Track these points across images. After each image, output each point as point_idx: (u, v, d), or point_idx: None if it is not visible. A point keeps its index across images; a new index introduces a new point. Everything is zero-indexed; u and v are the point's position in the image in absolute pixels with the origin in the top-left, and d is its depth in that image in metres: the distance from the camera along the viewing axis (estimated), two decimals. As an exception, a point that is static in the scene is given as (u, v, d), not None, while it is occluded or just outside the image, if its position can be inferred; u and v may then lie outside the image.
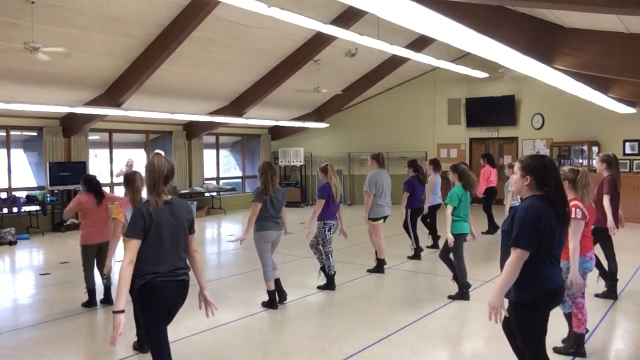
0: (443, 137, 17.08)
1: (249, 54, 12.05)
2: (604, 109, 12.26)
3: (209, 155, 17.01)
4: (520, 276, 3.13)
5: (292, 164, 17.75)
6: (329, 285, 6.97)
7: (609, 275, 6.41)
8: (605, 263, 6.52)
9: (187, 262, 3.66)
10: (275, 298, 6.24)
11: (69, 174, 12.66)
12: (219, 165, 17.58)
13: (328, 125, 17.63)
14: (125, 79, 11.21)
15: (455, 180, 6.52)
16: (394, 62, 14.79)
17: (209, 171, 17.04)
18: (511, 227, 3.20)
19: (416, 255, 8.84)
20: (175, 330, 5.52)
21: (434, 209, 9.51)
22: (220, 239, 12.10)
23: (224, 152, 18.57)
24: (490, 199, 11.50)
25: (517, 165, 3.36)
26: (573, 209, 4.23)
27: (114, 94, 11.59)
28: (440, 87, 16.97)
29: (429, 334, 5.34)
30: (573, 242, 4.29)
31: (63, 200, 12.55)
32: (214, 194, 16.27)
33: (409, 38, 12.78)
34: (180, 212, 3.51)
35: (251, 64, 12.72)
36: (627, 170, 13.70)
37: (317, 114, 17.56)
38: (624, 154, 13.86)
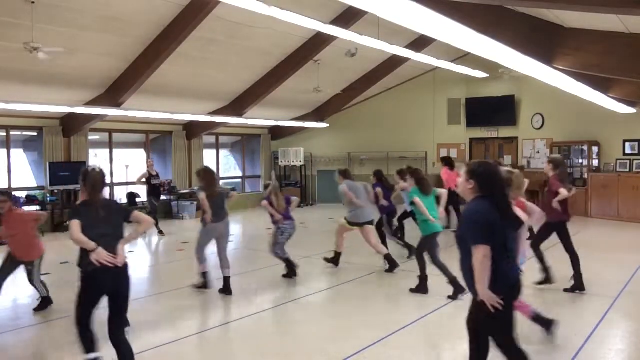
0: (443, 137, 17.08)
1: (249, 54, 12.04)
2: (604, 109, 12.26)
3: (209, 155, 17.01)
4: (497, 273, 3.30)
5: (292, 164, 17.75)
6: (291, 273, 7.65)
7: (575, 269, 6.81)
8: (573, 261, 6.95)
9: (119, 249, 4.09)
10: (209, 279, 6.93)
11: (69, 174, 12.66)
12: (219, 166, 17.58)
13: (328, 125, 17.62)
14: (125, 79, 11.21)
15: (413, 184, 6.90)
16: (394, 62, 14.79)
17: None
18: (462, 233, 3.41)
19: (410, 252, 8.79)
20: (175, 331, 5.53)
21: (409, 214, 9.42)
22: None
23: (224, 152, 18.57)
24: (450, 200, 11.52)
25: (463, 170, 3.55)
26: (518, 208, 4.43)
27: (114, 94, 11.58)
28: (440, 87, 16.97)
29: (429, 334, 5.34)
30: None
31: (63, 201, 12.56)
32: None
33: (409, 38, 12.78)
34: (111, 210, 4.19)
35: (251, 64, 12.72)
36: (627, 170, 13.69)
37: (317, 114, 17.56)
38: (624, 154, 13.85)
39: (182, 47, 10.25)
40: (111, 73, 11.15)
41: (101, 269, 3.97)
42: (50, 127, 12.78)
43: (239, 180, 18.26)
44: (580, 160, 14.68)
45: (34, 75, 10.22)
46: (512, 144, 16.37)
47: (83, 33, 9.32)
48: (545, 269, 6.98)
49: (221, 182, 17.15)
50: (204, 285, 6.97)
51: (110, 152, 14.44)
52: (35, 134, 13.07)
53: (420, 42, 12.89)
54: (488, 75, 14.16)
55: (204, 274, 6.99)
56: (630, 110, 12.33)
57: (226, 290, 6.83)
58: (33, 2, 8.00)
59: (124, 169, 15.74)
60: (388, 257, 8.01)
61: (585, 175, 14.21)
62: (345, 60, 13.22)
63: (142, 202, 13.92)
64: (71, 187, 12.70)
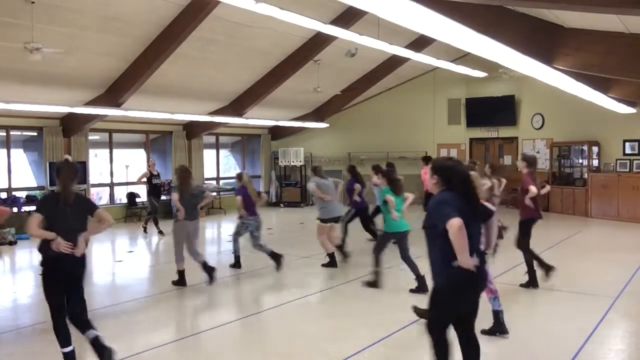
0: (443, 137, 17.08)
1: (249, 54, 12.04)
2: (604, 109, 12.25)
3: (209, 155, 17.02)
4: (442, 265, 3.52)
5: (292, 164, 17.76)
6: (236, 264, 8.26)
7: (529, 264, 6.92)
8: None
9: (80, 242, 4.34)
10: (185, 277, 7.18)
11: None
12: (219, 165, 17.58)
13: (328, 125, 17.62)
14: (125, 79, 11.21)
15: (384, 183, 7.05)
16: (394, 62, 14.78)
17: (209, 171, 17.04)
18: (429, 222, 3.57)
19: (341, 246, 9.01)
20: (175, 331, 5.54)
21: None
22: (220, 239, 12.10)
23: (224, 152, 18.58)
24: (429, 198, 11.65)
25: (429, 165, 3.77)
26: None
27: (114, 94, 11.58)
28: (440, 87, 16.97)
29: (429, 334, 5.33)
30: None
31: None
32: (214, 194, 16.24)
33: (409, 38, 12.77)
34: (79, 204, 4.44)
35: (251, 64, 12.72)
36: (627, 170, 13.69)
37: (317, 114, 17.56)
38: (624, 154, 13.85)
39: (182, 47, 10.24)
40: (111, 73, 11.15)
41: (59, 255, 4.27)
42: (50, 127, 12.78)
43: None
44: (580, 160, 14.67)
45: (34, 75, 10.22)
46: (512, 144, 16.36)
47: (83, 33, 9.32)
48: (541, 264, 7.07)
49: (221, 182, 17.23)
50: (181, 282, 7.20)
51: (110, 152, 14.44)
52: (35, 134, 13.07)
53: (420, 42, 12.89)
54: (488, 75, 14.16)
55: (181, 272, 7.22)
56: (630, 110, 12.33)
57: (181, 282, 7.18)
58: (33, 2, 7.99)
59: (124, 169, 15.77)
60: (331, 256, 8.31)
61: (585, 175, 14.21)
62: (345, 60, 13.21)
63: (142, 202, 13.93)
64: (71, 187, 12.68)
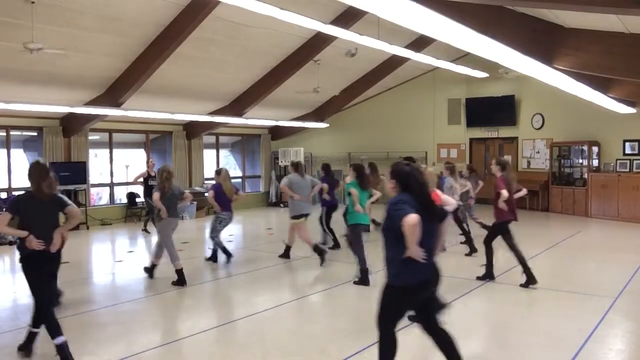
0: (443, 137, 17.08)
1: (249, 54, 12.04)
2: (604, 109, 12.25)
3: (209, 155, 17.01)
4: (397, 264, 3.75)
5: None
6: (214, 258, 8.66)
7: (522, 264, 6.99)
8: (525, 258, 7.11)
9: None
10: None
11: (69, 174, 12.66)
12: (219, 166, 17.56)
13: (328, 125, 17.62)
14: (125, 79, 11.21)
15: (353, 177, 7.47)
16: (393, 62, 14.78)
17: (209, 171, 17.02)
18: (387, 224, 3.77)
19: (336, 246, 9.57)
20: (175, 331, 5.54)
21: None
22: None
23: (224, 152, 18.57)
24: None
25: (387, 170, 4.00)
26: None
27: (114, 94, 11.58)
28: (440, 87, 16.97)
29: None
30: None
31: (63, 200, 12.53)
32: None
33: (409, 38, 12.77)
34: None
35: (251, 64, 12.72)
36: (627, 170, 13.69)
37: (317, 114, 17.55)
38: (624, 154, 13.84)
39: (182, 47, 10.24)
40: (111, 73, 11.15)
41: (35, 252, 4.54)
42: (50, 127, 12.78)
43: (239, 180, 18.25)
44: (580, 160, 14.67)
45: (34, 75, 10.22)
46: (512, 144, 16.37)
47: (83, 33, 9.32)
48: (489, 264, 7.39)
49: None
50: (180, 282, 7.34)
51: (110, 152, 14.44)
52: (35, 134, 13.07)
53: (420, 42, 12.89)
54: (488, 75, 14.15)
55: (179, 271, 7.37)
56: (630, 110, 12.33)
57: (180, 282, 7.31)
58: (33, 2, 7.99)
59: (124, 169, 15.77)
60: (287, 249, 8.87)
61: (585, 175, 14.21)
62: (345, 60, 13.22)
63: (142, 202, 13.91)
64: (71, 187, 12.68)
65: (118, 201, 14.68)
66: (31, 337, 4.88)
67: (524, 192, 7.72)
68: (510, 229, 7.16)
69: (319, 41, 11.93)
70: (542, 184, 15.12)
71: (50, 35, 8.79)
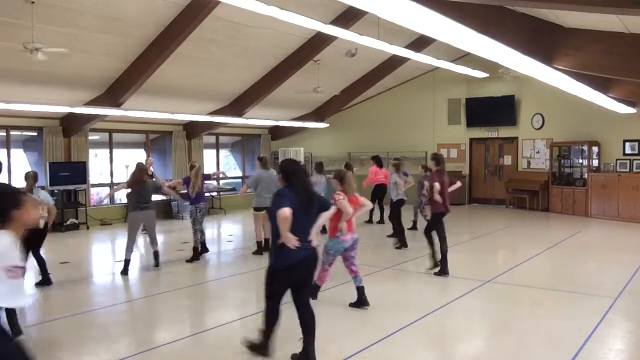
0: (443, 137, 17.08)
1: (249, 54, 12.04)
2: (604, 109, 12.25)
3: (209, 155, 17.00)
4: (275, 248, 4.35)
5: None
6: (195, 257, 8.82)
7: (442, 255, 7.55)
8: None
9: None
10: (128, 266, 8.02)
11: (69, 174, 12.67)
12: (219, 166, 17.56)
13: (328, 125, 17.62)
14: (125, 79, 11.20)
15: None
16: (393, 62, 14.78)
17: (209, 171, 16.99)
18: (271, 213, 4.38)
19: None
20: (175, 331, 5.53)
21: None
22: (220, 239, 12.09)
23: (224, 152, 18.57)
24: (378, 193, 12.61)
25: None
26: (336, 196, 5.91)
27: (114, 94, 11.58)
28: (440, 87, 16.97)
29: (429, 334, 5.34)
30: (335, 218, 5.84)
31: (63, 201, 12.55)
32: (214, 194, 16.25)
33: (409, 38, 12.77)
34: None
35: (251, 64, 12.71)
36: (627, 170, 13.69)
37: (317, 114, 17.55)
38: (624, 154, 13.84)
39: (182, 47, 10.24)
40: (111, 73, 11.15)
41: None
42: (50, 127, 12.78)
43: (239, 180, 18.24)
44: (580, 160, 14.66)
45: (34, 75, 10.22)
46: (512, 144, 16.37)
47: (83, 33, 9.32)
48: (433, 254, 7.79)
49: (221, 182, 17.19)
50: (125, 271, 7.93)
51: (110, 152, 14.44)
52: (35, 134, 13.06)
53: (420, 42, 12.89)
54: (488, 75, 14.15)
55: (127, 262, 7.98)
56: (630, 110, 12.33)
57: (156, 261, 8.25)
58: (33, 2, 7.99)
59: (124, 169, 15.74)
60: (259, 244, 9.24)
61: (585, 175, 14.21)
62: (345, 60, 13.22)
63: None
64: (71, 187, 12.70)
65: (118, 201, 14.67)
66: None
67: (457, 184, 8.22)
68: (444, 221, 7.76)
69: (319, 41, 11.93)
70: (542, 184, 15.13)
71: (50, 35, 8.78)
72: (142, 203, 8.12)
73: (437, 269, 7.64)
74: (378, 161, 12.71)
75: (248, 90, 14.04)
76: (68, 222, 12.59)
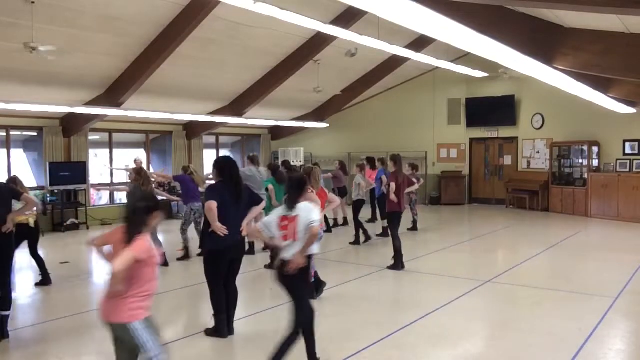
0: (443, 137, 17.08)
1: (249, 54, 12.04)
2: (604, 109, 12.25)
3: (209, 155, 17.00)
4: (206, 235, 5.00)
5: (292, 164, 17.72)
6: (185, 256, 8.92)
7: (395, 251, 8.00)
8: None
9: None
10: None
11: (69, 174, 12.67)
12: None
13: (328, 125, 17.62)
14: (125, 79, 11.20)
15: (270, 174, 8.59)
16: (394, 62, 14.78)
17: (209, 171, 17.00)
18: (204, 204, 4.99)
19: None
20: (176, 331, 5.53)
21: None
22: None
23: (224, 152, 18.56)
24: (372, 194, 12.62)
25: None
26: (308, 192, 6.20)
27: (114, 94, 11.58)
28: (440, 87, 16.97)
29: (429, 334, 5.34)
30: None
31: (63, 201, 12.55)
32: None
33: (409, 38, 12.77)
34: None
35: (251, 64, 12.71)
36: (627, 170, 13.69)
37: (317, 114, 17.55)
38: (624, 154, 13.84)
39: (182, 47, 10.24)
40: (111, 73, 11.15)
41: None
42: (50, 127, 12.78)
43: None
44: (580, 160, 14.66)
45: (34, 75, 10.21)
46: (512, 144, 16.37)
47: (83, 33, 9.32)
48: (365, 235, 9.19)
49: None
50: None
51: (110, 152, 14.44)
52: (35, 134, 13.06)
53: (420, 42, 12.89)
54: (488, 75, 14.15)
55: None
56: (630, 110, 12.32)
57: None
58: (33, 2, 7.99)
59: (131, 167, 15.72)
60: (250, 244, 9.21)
61: (585, 175, 14.21)
62: (345, 60, 13.21)
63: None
64: (71, 187, 12.69)
65: (118, 201, 14.67)
66: (3, 320, 5.24)
67: (415, 186, 8.70)
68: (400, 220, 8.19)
69: (319, 41, 11.93)
70: (542, 184, 15.13)
71: (50, 35, 8.78)
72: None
73: (390, 264, 8.05)
74: (371, 163, 12.67)
75: (248, 90, 14.04)
76: (68, 222, 12.59)
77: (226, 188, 4.97)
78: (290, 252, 4.19)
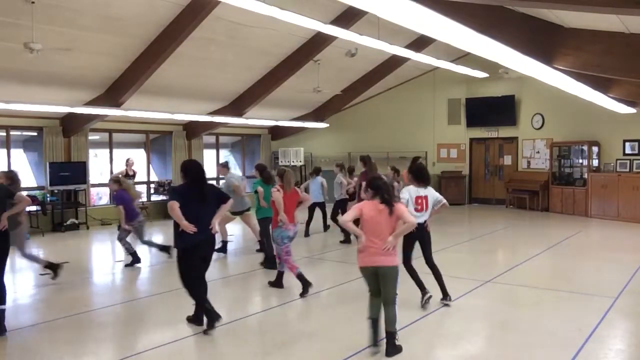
0: (443, 137, 17.08)
1: (249, 54, 12.04)
2: (604, 109, 12.25)
3: (209, 155, 17.00)
4: (175, 234, 5.27)
5: (292, 164, 17.75)
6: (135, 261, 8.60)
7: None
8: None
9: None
10: None
11: (69, 174, 12.67)
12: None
13: (328, 125, 17.62)
14: (125, 79, 11.20)
15: (257, 175, 8.60)
16: (394, 62, 14.78)
17: (209, 171, 16.99)
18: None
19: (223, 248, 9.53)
20: (175, 331, 5.54)
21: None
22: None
23: (224, 152, 18.56)
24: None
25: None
26: (273, 190, 6.80)
27: (114, 94, 11.58)
28: (440, 87, 16.97)
29: (428, 334, 5.34)
30: (280, 211, 6.64)
31: (63, 201, 12.55)
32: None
33: (409, 38, 12.77)
34: None
35: (251, 64, 12.71)
36: (627, 170, 13.69)
37: (317, 114, 17.55)
38: (624, 154, 13.84)
39: (182, 47, 10.24)
40: (111, 73, 11.15)
41: None
42: (50, 127, 12.78)
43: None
44: (580, 160, 14.66)
45: (34, 75, 10.22)
46: (512, 144, 16.37)
47: (83, 33, 9.32)
48: (346, 237, 9.24)
49: (221, 182, 17.17)
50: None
51: (110, 152, 14.44)
52: (35, 134, 13.06)
53: (420, 42, 12.89)
54: (488, 75, 14.15)
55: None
56: (630, 110, 12.32)
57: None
58: (33, 2, 7.99)
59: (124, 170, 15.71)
60: (224, 243, 9.37)
61: (585, 175, 14.21)
62: (345, 60, 13.21)
63: (142, 202, 13.90)
64: (71, 187, 12.69)
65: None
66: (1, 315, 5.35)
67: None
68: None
69: (319, 41, 11.93)
70: (542, 184, 15.12)
71: (50, 35, 8.79)
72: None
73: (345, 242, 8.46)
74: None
75: (248, 90, 14.04)
76: (68, 222, 12.59)
77: (190, 189, 5.32)
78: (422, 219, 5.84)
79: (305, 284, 6.63)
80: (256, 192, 8.23)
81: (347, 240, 10.08)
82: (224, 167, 9.71)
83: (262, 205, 8.15)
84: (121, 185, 8.56)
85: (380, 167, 13.29)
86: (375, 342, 4.70)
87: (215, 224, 5.47)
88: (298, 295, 6.63)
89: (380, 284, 4.71)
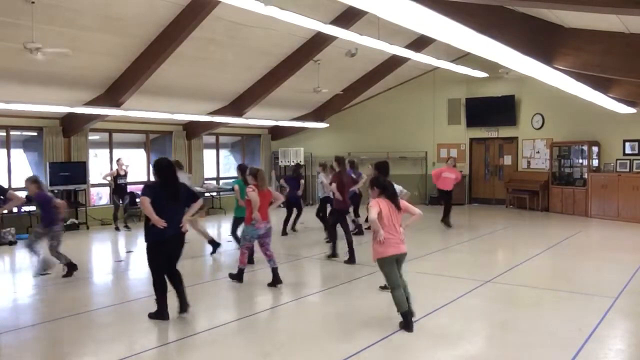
0: (443, 137, 17.09)
1: (249, 54, 12.04)
2: (604, 109, 12.25)
3: (209, 155, 17.00)
4: (146, 228, 5.55)
5: (292, 164, 17.73)
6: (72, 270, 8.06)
7: (348, 244, 8.44)
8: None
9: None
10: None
11: (69, 174, 12.66)
12: (219, 165, 17.57)
13: (328, 125, 17.61)
14: (125, 79, 11.20)
15: (239, 175, 8.85)
16: (394, 62, 14.78)
17: (209, 171, 17.02)
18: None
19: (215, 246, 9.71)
20: (175, 331, 5.54)
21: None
22: (220, 239, 12.08)
23: (224, 152, 18.56)
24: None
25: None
26: (248, 189, 6.99)
27: (114, 94, 11.58)
28: (440, 87, 16.97)
29: (428, 334, 5.34)
30: (249, 208, 6.99)
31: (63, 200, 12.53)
32: (214, 194, 16.26)
33: (409, 38, 12.77)
34: None
35: (251, 64, 12.71)
36: (627, 170, 13.69)
37: (317, 114, 17.55)
38: (624, 154, 13.84)
39: (182, 47, 10.24)
40: (111, 73, 11.15)
41: None
42: (50, 127, 12.78)
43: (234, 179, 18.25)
44: (580, 160, 14.67)
45: (34, 75, 10.21)
46: (512, 144, 16.37)
47: (83, 33, 9.32)
48: (333, 246, 8.77)
49: (221, 182, 17.20)
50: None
51: (110, 152, 14.44)
52: (35, 134, 13.05)
53: (420, 42, 12.89)
54: (488, 75, 14.15)
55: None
56: (630, 110, 12.33)
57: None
58: (33, 2, 7.99)
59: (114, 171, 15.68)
60: (213, 242, 9.61)
61: (585, 175, 14.21)
62: (345, 60, 13.21)
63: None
64: (71, 187, 12.69)
65: (118, 202, 14.66)
66: None
67: (359, 184, 9.36)
68: (347, 217, 8.81)
69: (319, 41, 11.93)
70: (542, 184, 15.13)
71: (50, 35, 8.78)
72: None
73: (345, 258, 8.42)
74: (352, 165, 12.42)
75: (248, 90, 14.04)
76: (68, 222, 12.58)
77: (162, 187, 5.56)
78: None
79: (239, 279, 7.26)
80: (233, 189, 8.63)
81: (334, 254, 8.90)
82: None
83: (240, 205, 8.39)
84: (40, 187, 7.65)
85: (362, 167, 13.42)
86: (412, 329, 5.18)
87: (186, 223, 5.74)
88: (298, 295, 6.62)
89: (397, 269, 5.31)
